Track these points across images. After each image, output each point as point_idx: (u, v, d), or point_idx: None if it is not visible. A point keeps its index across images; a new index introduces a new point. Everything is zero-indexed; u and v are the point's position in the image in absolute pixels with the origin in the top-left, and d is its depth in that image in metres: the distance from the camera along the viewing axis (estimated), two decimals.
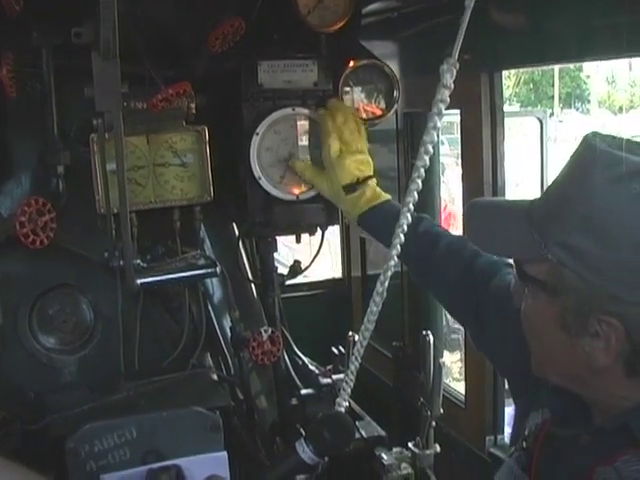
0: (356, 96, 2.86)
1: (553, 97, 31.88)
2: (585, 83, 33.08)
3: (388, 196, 2.53)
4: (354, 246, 4.30)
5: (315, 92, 2.77)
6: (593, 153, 1.42)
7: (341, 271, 4.56)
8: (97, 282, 2.91)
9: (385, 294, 2.22)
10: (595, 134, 1.47)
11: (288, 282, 3.20)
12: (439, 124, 1.96)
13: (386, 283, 2.20)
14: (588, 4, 2.24)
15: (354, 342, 2.88)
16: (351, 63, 2.83)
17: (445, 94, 1.93)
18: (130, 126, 2.65)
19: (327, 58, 2.80)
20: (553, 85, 31.66)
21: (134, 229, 2.74)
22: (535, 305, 1.53)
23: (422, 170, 2.03)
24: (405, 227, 2.12)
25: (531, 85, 33.67)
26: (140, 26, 2.53)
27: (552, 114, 30.94)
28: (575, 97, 34.20)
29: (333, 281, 4.64)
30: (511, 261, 2.03)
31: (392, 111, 2.93)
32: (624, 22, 2.12)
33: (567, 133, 30.15)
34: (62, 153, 2.67)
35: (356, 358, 2.36)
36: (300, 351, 3.41)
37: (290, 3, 2.71)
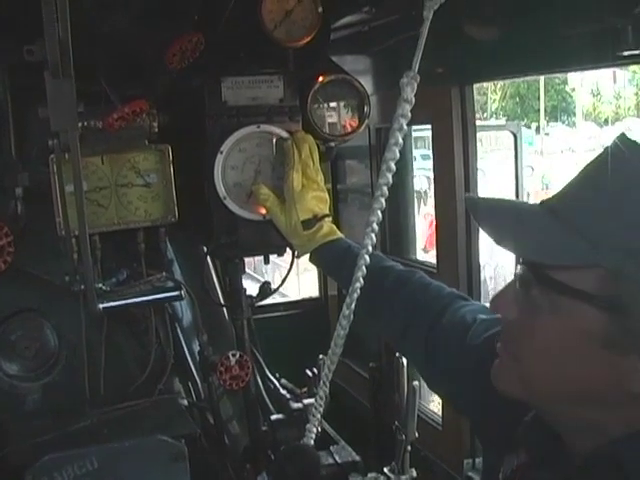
0: (327, 112, 2.81)
1: (539, 110, 32.06)
2: (570, 96, 33.34)
3: (341, 235, 2.49)
4: None
5: (281, 108, 2.71)
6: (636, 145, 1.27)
7: (318, 290, 4.50)
8: (61, 306, 2.83)
9: (352, 317, 2.17)
10: (620, 135, 1.31)
11: (263, 302, 3.13)
12: (401, 140, 1.90)
13: (352, 305, 2.14)
14: (556, 16, 2.19)
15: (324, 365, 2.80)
16: (320, 78, 2.77)
17: (406, 108, 1.87)
18: (90, 146, 2.60)
19: (293, 73, 2.74)
20: (539, 98, 31.86)
21: (97, 252, 2.67)
22: (559, 318, 1.28)
23: (385, 188, 1.97)
24: (370, 248, 2.06)
25: (517, 99, 33.91)
26: (97, 43, 2.46)
27: (538, 127, 31.16)
28: (561, 110, 34.47)
29: (310, 300, 4.58)
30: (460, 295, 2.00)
31: (363, 126, 2.87)
32: (592, 32, 2.08)
33: (553, 146, 30.41)
34: (20, 175, 2.60)
35: (324, 383, 2.29)
36: (278, 372, 3.33)
37: (256, 17, 2.65)
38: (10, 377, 2.80)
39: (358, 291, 2.14)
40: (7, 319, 2.80)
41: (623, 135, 1.31)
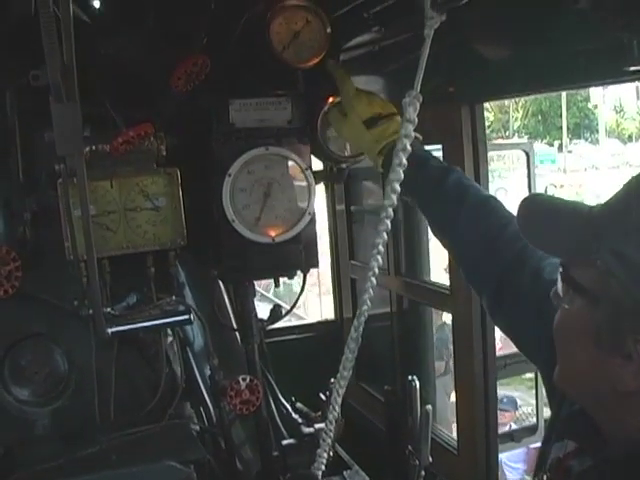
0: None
1: (561, 128, 31.93)
2: (593, 113, 33.15)
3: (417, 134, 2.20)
4: (345, 286, 4.22)
5: (289, 130, 2.71)
6: None
7: (333, 312, 4.47)
8: (70, 331, 2.82)
9: (360, 340, 2.15)
10: None
11: (278, 325, 3.11)
12: (405, 161, 1.89)
13: (360, 328, 2.13)
14: (563, 33, 2.17)
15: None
16: (330, 99, 2.76)
17: (409, 129, 1.86)
18: (98, 170, 2.60)
19: (302, 95, 2.74)
20: (561, 116, 31.73)
21: (106, 276, 2.68)
22: (571, 312, 1.41)
23: (390, 210, 1.96)
24: (376, 270, 2.05)
25: (539, 116, 33.79)
26: (103, 66, 2.46)
27: (561, 145, 31.02)
28: (583, 127, 34.29)
29: (325, 323, 4.55)
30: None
31: None
32: (599, 48, 2.05)
33: (577, 163, 30.24)
34: (28, 199, 2.61)
35: (334, 407, 2.27)
36: (294, 396, 3.31)
37: (264, 39, 2.65)
38: (19, 402, 2.79)
39: (366, 314, 2.12)
40: (16, 344, 2.79)
41: None
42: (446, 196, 2.18)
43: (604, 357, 1.33)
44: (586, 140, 34.42)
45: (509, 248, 1.97)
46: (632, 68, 1.86)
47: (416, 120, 1.87)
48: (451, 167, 2.28)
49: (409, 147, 1.88)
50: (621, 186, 1.40)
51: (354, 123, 2.41)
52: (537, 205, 1.53)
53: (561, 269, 1.44)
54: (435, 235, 2.31)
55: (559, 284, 1.44)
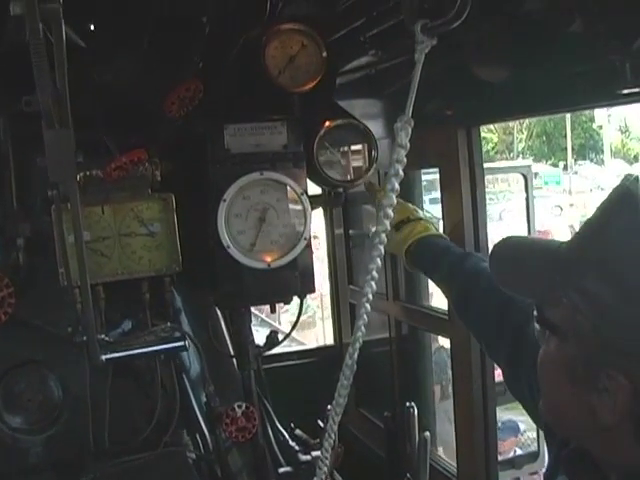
0: (334, 158, 2.81)
1: (566, 149, 31.97)
2: (598, 133, 33.20)
3: (439, 233, 2.67)
4: (344, 311, 4.20)
5: (285, 155, 2.72)
6: (624, 196, 1.35)
7: (332, 337, 4.46)
8: (64, 358, 2.81)
9: (355, 367, 2.13)
10: (633, 177, 1.38)
11: (277, 351, 3.11)
12: (397, 186, 1.88)
13: (355, 355, 2.11)
14: (557, 55, 2.18)
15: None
16: (326, 123, 2.77)
17: (401, 154, 1.86)
18: (92, 195, 2.61)
19: (297, 119, 2.75)
20: (566, 137, 31.77)
21: (101, 302, 2.68)
22: (549, 351, 1.43)
23: (383, 236, 1.94)
24: (370, 296, 2.03)
25: (544, 137, 33.86)
26: (97, 91, 2.48)
27: (566, 166, 31.04)
28: (588, 148, 34.33)
29: (324, 348, 4.54)
30: None
31: (372, 171, 2.87)
32: (592, 70, 2.06)
33: (582, 184, 30.24)
34: (22, 225, 2.61)
35: (329, 435, 2.25)
36: (293, 422, 3.29)
37: (259, 63, 2.66)
38: (13, 430, 2.78)
39: (360, 341, 2.10)
40: (10, 371, 2.78)
41: (633, 177, 1.38)
42: (464, 279, 2.38)
43: (581, 393, 1.35)
44: (591, 161, 34.44)
45: (514, 320, 2.06)
46: (625, 91, 1.87)
47: (408, 145, 1.86)
48: (470, 252, 2.54)
49: (401, 172, 1.87)
50: (584, 223, 1.44)
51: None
52: (507, 250, 1.58)
53: (535, 311, 1.46)
54: (458, 316, 2.55)
55: (536, 325, 1.47)
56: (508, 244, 1.61)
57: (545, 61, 2.25)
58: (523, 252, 1.55)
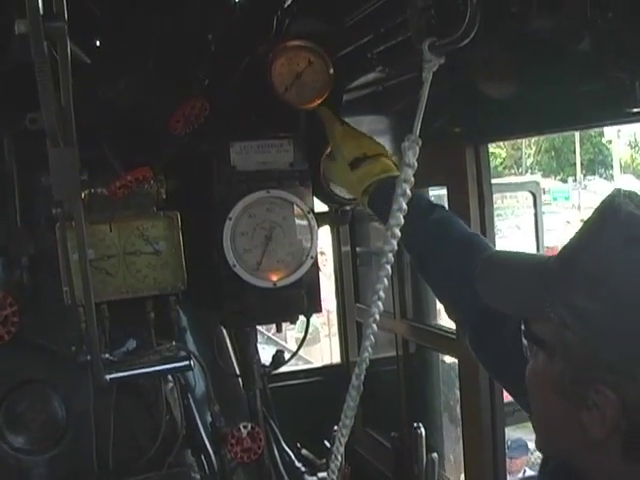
0: None
1: (575, 164, 31.95)
2: (607, 148, 33.18)
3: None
4: (351, 330, 4.20)
5: (291, 173, 2.71)
6: (612, 211, 1.35)
7: (339, 356, 4.45)
8: (68, 377, 2.80)
9: (362, 388, 2.14)
10: (621, 191, 1.39)
11: (283, 370, 3.10)
12: (405, 206, 1.89)
13: (362, 376, 2.12)
14: (566, 73, 2.18)
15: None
16: None
17: (409, 173, 1.87)
18: (97, 213, 2.61)
19: (304, 136, 2.75)
20: (575, 152, 31.77)
21: (105, 321, 2.67)
22: (536, 366, 1.43)
23: (390, 255, 1.95)
24: (377, 316, 2.04)
25: (552, 153, 33.87)
26: (102, 108, 2.48)
27: (575, 181, 31.02)
28: (598, 163, 34.32)
29: (331, 367, 4.53)
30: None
31: None
32: (602, 89, 2.06)
33: (591, 200, 30.20)
34: (26, 243, 2.62)
35: (335, 457, 2.25)
36: (300, 442, 3.28)
37: (266, 80, 2.67)
38: (15, 450, 2.77)
39: (367, 361, 2.11)
40: (13, 390, 2.77)
41: (620, 191, 1.40)
42: (429, 230, 2.21)
43: (571, 409, 1.34)
44: (600, 176, 34.40)
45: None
46: (634, 110, 1.86)
47: (415, 164, 1.87)
48: (439, 204, 2.32)
49: (409, 192, 1.88)
50: (572, 238, 1.43)
51: (340, 165, 2.47)
52: (493, 265, 1.59)
53: (523, 326, 1.46)
54: (418, 271, 2.38)
55: (524, 340, 1.47)
56: (495, 259, 1.64)
57: (553, 79, 2.25)
58: (509, 267, 1.55)
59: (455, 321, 2.31)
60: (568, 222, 24.96)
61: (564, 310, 1.32)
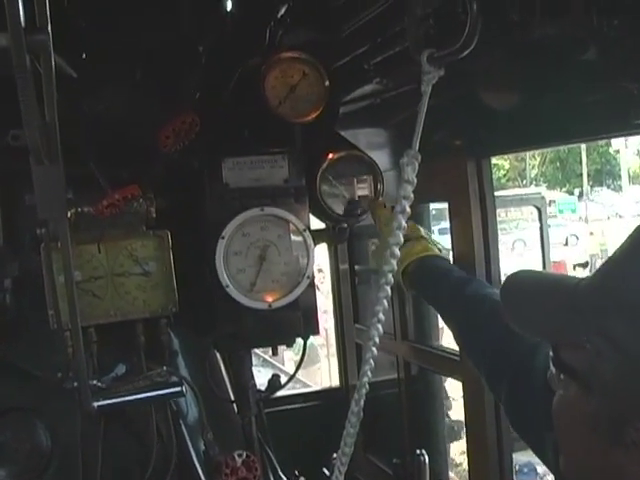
0: (337, 192, 2.80)
1: (581, 175, 32.04)
2: (614, 158, 33.28)
3: (438, 253, 2.63)
4: (350, 352, 4.18)
5: (286, 190, 2.71)
6: None
7: (338, 379, 4.43)
8: (54, 405, 2.78)
9: (362, 414, 2.13)
10: None
11: (279, 394, 3.08)
12: (404, 223, 1.89)
13: (361, 402, 2.12)
14: (572, 83, 2.18)
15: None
16: (329, 156, 2.77)
17: (408, 190, 1.86)
18: (84, 233, 2.60)
19: (299, 152, 2.74)
20: (581, 162, 31.86)
21: (93, 345, 2.66)
22: (567, 398, 1.36)
23: (390, 276, 1.95)
24: (377, 339, 2.03)
25: (557, 163, 33.96)
26: (88, 125, 2.48)
27: (581, 193, 31.10)
28: (605, 173, 34.41)
29: (330, 391, 4.51)
30: None
31: None
32: (609, 99, 2.06)
33: (599, 212, 30.28)
34: (10, 265, 2.60)
35: None
36: (298, 469, 3.26)
37: (259, 93, 2.66)
38: None
39: (367, 386, 2.11)
40: None
41: None
42: (464, 307, 2.33)
43: (605, 446, 1.28)
44: (608, 187, 34.52)
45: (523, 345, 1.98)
46: None
47: (415, 181, 1.87)
48: (472, 277, 2.48)
49: (408, 209, 1.87)
50: (608, 257, 1.36)
51: (384, 246, 2.50)
52: (519, 286, 1.51)
53: (551, 353, 1.40)
54: (456, 342, 2.50)
55: (552, 368, 1.40)
56: (520, 279, 1.54)
57: (558, 89, 2.25)
58: (537, 288, 1.47)
59: (492, 390, 2.30)
60: (575, 235, 25.05)
61: (600, 339, 1.25)
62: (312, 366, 11.93)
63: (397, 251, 1.90)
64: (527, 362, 1.92)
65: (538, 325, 1.44)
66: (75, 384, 2.55)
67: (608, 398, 1.25)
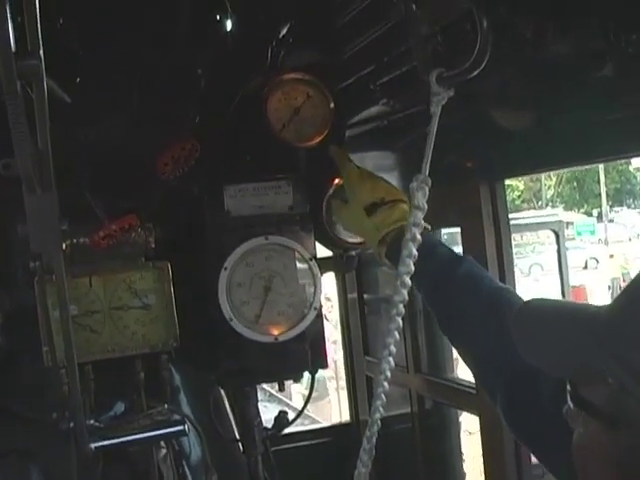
0: None
1: (600, 195, 32.02)
2: (635, 177, 33.27)
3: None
4: (360, 385, 4.16)
5: (291, 217, 2.70)
6: None
7: (349, 414, 4.41)
8: (49, 446, 2.77)
9: (374, 452, 2.11)
10: None
11: (286, 430, 3.06)
12: (415, 251, 1.88)
13: (374, 439, 2.10)
14: (587, 101, 2.18)
15: None
16: (335, 180, 2.76)
17: (418, 216, 1.86)
18: (80, 265, 2.59)
19: (304, 177, 2.74)
20: (599, 182, 31.86)
21: (90, 383, 2.64)
22: (588, 435, 1.30)
23: (401, 307, 1.94)
24: (388, 373, 2.02)
25: (575, 183, 33.97)
26: (83, 152, 2.48)
27: (600, 214, 31.07)
28: (625, 193, 34.39)
29: (340, 427, 4.48)
30: None
31: None
32: (631, 118, 2.05)
33: (619, 233, 30.21)
34: (1, 299, 2.60)
35: None
36: None
37: (261, 117, 2.66)
38: None
39: (379, 423, 2.09)
40: None
41: None
42: (455, 289, 2.15)
43: None
44: (629, 207, 34.47)
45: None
46: None
47: (426, 206, 1.86)
48: (462, 256, 2.27)
49: (419, 236, 1.86)
50: (630, 283, 1.32)
51: (354, 210, 2.40)
52: (533, 315, 1.46)
53: (569, 387, 1.35)
54: (443, 332, 2.28)
55: (570, 404, 1.35)
56: (534, 308, 1.49)
57: (573, 108, 2.24)
58: (553, 318, 1.42)
59: (485, 387, 2.23)
60: (595, 259, 24.99)
61: (624, 373, 1.20)
62: (321, 400, 11.87)
63: (408, 280, 1.88)
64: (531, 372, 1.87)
65: (555, 359, 1.38)
66: (71, 424, 2.53)
67: (635, 436, 1.20)
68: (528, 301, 1.55)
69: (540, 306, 1.49)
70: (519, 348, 1.43)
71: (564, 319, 1.39)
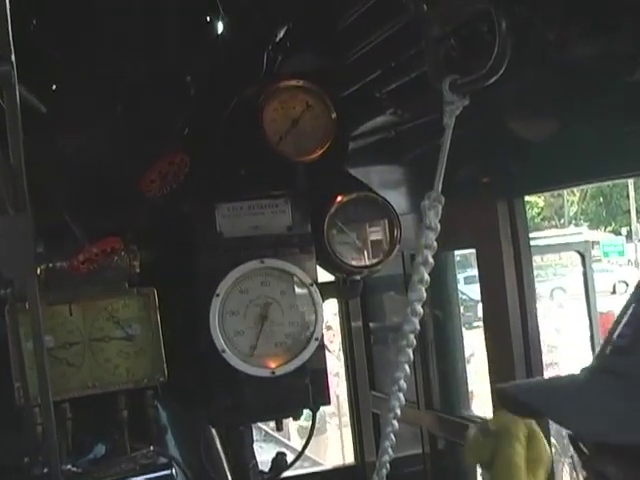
0: (348, 239, 2.79)
1: (629, 211, 32.04)
2: None
3: None
4: (366, 423, 4.14)
5: (289, 238, 2.70)
6: None
7: (353, 455, 4.39)
8: None
9: None
10: None
11: (286, 474, 3.06)
12: (427, 276, 1.87)
13: None
14: (622, 110, 2.18)
15: None
16: (338, 198, 2.76)
17: (430, 237, 1.85)
18: (56, 292, 2.59)
19: (304, 194, 2.74)
20: (628, 197, 31.88)
21: (67, 423, 2.63)
22: None
23: (412, 337, 1.93)
24: (397, 411, 2.01)
25: (601, 199, 34.00)
26: (61, 167, 2.48)
27: (630, 232, 31.08)
28: None
29: (343, 469, 4.47)
30: None
31: (394, 254, 2.84)
32: None
33: None
34: None
35: None
36: None
37: (256, 128, 2.67)
38: None
39: (387, 466, 2.08)
40: None
41: None
42: None
43: None
44: None
45: None
46: None
47: (438, 227, 1.85)
48: None
49: (431, 259, 1.86)
50: None
51: None
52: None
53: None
54: None
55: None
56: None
57: (600, 117, 2.24)
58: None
59: None
60: (624, 282, 24.96)
61: None
62: (320, 435, 11.81)
63: (419, 308, 1.88)
64: None
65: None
66: (45, 470, 2.52)
67: None
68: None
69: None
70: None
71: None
